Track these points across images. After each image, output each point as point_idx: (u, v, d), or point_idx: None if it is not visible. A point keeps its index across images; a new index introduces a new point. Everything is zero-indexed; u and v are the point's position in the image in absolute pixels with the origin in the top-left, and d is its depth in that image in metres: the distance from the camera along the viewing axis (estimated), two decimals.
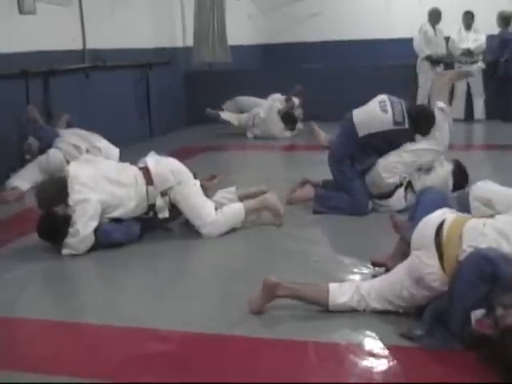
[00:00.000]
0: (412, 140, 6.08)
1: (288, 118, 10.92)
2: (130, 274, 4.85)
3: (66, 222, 5.12)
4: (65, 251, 5.14)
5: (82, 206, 5.10)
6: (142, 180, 5.32)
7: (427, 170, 6.11)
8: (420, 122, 6.08)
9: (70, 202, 5.12)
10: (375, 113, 6.03)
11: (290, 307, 4.02)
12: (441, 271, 3.43)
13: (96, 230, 5.14)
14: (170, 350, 3.59)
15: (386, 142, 6.05)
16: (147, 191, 5.29)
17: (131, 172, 5.43)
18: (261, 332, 3.72)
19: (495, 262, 3.16)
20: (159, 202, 5.32)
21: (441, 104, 6.14)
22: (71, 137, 7.58)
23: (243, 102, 11.53)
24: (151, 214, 5.38)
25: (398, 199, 6.06)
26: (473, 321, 3.15)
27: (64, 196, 5.17)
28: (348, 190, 6.11)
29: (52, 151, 7.37)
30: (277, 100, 11.04)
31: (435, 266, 3.46)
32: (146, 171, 5.37)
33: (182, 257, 5.09)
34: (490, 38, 11.73)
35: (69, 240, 5.12)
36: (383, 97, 6.16)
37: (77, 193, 5.15)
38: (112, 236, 5.22)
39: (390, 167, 6.01)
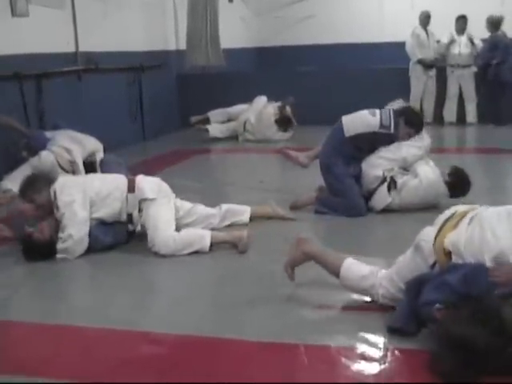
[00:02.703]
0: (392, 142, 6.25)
1: (283, 122, 10.92)
2: (121, 277, 4.84)
3: (46, 244, 5.12)
4: (59, 255, 5.13)
5: (70, 208, 5.11)
6: (124, 186, 5.32)
7: (414, 175, 6.14)
8: (410, 119, 6.27)
9: (59, 203, 5.12)
10: (363, 115, 6.24)
11: (282, 310, 4.04)
12: (431, 244, 3.56)
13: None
14: (161, 352, 3.59)
15: (370, 145, 6.19)
16: (127, 198, 5.26)
17: (117, 177, 5.49)
18: (252, 335, 3.73)
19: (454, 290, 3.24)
20: (135, 213, 5.28)
21: None
22: (64, 139, 7.56)
23: (229, 111, 11.47)
24: (130, 227, 5.35)
25: (382, 196, 6.11)
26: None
27: (48, 182, 5.27)
28: (341, 193, 6.18)
29: (44, 153, 7.35)
30: (268, 106, 11.03)
31: (430, 236, 3.58)
32: (131, 181, 5.39)
33: (174, 260, 5.07)
34: (480, 42, 11.77)
35: (62, 245, 5.11)
36: (374, 109, 6.33)
37: (65, 195, 5.16)
38: (102, 240, 5.23)
39: (373, 162, 6.14)
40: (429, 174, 6.10)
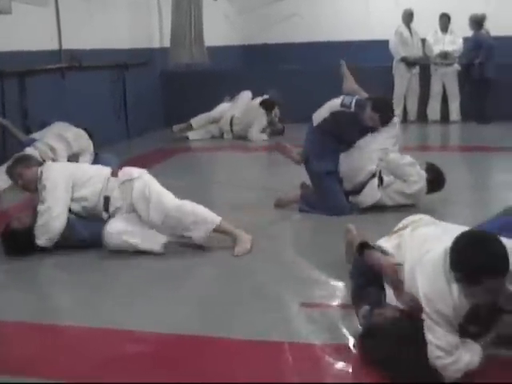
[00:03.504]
0: (359, 127, 6.17)
1: (268, 104, 10.93)
2: (106, 277, 4.82)
3: (26, 232, 5.11)
4: (39, 241, 5.10)
5: (52, 182, 5.14)
6: (108, 172, 5.32)
7: (403, 180, 6.11)
8: (377, 104, 6.16)
9: (43, 178, 5.17)
10: (328, 102, 6.33)
11: (267, 309, 4.05)
12: None
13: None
14: (146, 351, 3.59)
15: (336, 128, 6.13)
16: (108, 180, 5.22)
17: (103, 167, 5.53)
18: (238, 333, 3.73)
19: None
20: (115, 193, 5.19)
21: None
22: (50, 137, 7.55)
23: (211, 115, 11.44)
24: (105, 215, 5.23)
25: (372, 190, 6.08)
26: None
27: (38, 163, 5.40)
28: (321, 192, 6.16)
29: (28, 150, 7.33)
30: (255, 99, 11.06)
31: None
32: (116, 170, 5.40)
33: (158, 259, 5.06)
34: (464, 40, 11.82)
35: (39, 221, 5.08)
36: None
37: (50, 171, 5.23)
38: (79, 231, 5.18)
39: (367, 155, 6.09)
40: (417, 185, 6.07)
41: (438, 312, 3.03)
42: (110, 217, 5.18)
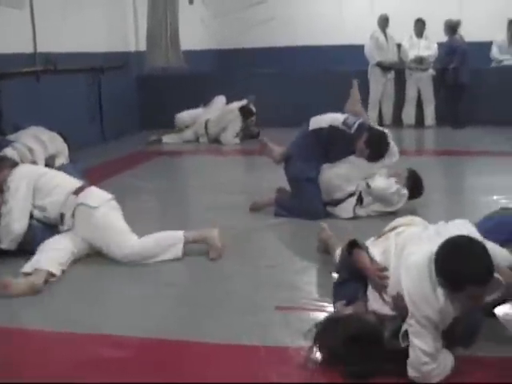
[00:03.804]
0: (351, 150, 6.12)
1: (246, 111, 10.93)
2: (81, 281, 4.78)
3: None
4: (2, 244, 5.06)
5: (16, 182, 5.11)
6: (72, 187, 5.21)
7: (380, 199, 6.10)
8: (371, 140, 6.10)
9: (9, 180, 5.13)
10: (331, 114, 6.29)
11: (242, 312, 4.05)
12: None
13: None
14: (122, 355, 3.57)
15: (328, 141, 6.12)
16: (69, 196, 5.11)
17: (71, 178, 5.41)
18: (213, 337, 3.73)
19: None
20: (68, 214, 5.07)
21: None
22: (27, 138, 7.50)
23: (184, 118, 11.45)
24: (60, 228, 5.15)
25: (347, 208, 6.10)
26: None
27: (11, 164, 5.34)
28: (300, 194, 6.16)
29: (7, 150, 7.26)
30: (231, 103, 11.06)
31: None
32: (83, 187, 5.24)
33: (131, 264, 5.02)
34: (438, 45, 11.90)
35: (2, 221, 5.05)
36: None
37: (16, 175, 5.19)
38: (40, 236, 5.07)
39: (345, 175, 6.07)
40: (398, 205, 6.06)
41: (426, 317, 3.05)
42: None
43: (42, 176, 5.28)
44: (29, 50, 9.20)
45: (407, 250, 3.37)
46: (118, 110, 11.48)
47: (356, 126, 6.11)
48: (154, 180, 8.08)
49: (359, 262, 3.66)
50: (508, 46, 12.12)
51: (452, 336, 3.22)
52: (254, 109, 11.05)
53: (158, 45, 12.11)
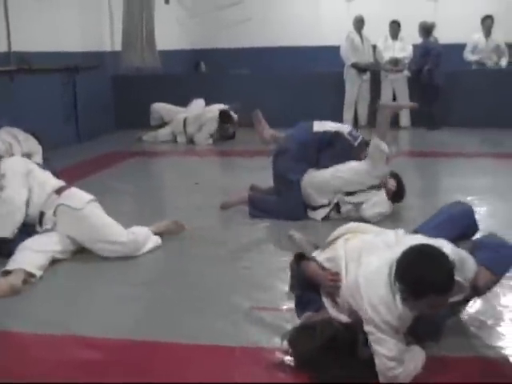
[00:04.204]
0: (344, 160, 6.13)
1: (225, 116, 10.90)
2: (55, 281, 4.74)
3: None
4: (3, 232, 4.95)
5: (12, 171, 5.07)
6: (56, 185, 5.21)
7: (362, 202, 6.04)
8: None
9: (2, 167, 5.09)
10: (337, 123, 6.37)
11: (217, 313, 4.05)
12: None
13: None
14: (98, 356, 3.56)
15: (329, 147, 6.12)
16: (50, 195, 5.10)
17: (54, 178, 5.37)
18: (188, 338, 3.73)
19: None
20: (50, 213, 5.05)
21: (382, 145, 6.07)
22: (6, 135, 7.46)
23: (160, 109, 11.47)
24: (39, 229, 5.09)
25: (320, 213, 6.09)
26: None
27: None
28: (286, 194, 6.12)
29: None
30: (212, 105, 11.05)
31: None
32: (65, 187, 5.23)
33: (109, 263, 5.02)
34: (413, 47, 11.97)
35: (2, 209, 4.95)
36: None
37: (9, 163, 5.21)
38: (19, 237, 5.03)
39: (317, 184, 6.04)
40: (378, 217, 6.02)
41: (386, 322, 3.06)
42: (36, 233, 5.03)
43: (31, 172, 5.22)
44: (3, 49, 9.13)
45: (366, 258, 3.37)
46: (93, 109, 11.42)
47: (359, 139, 6.21)
48: (128, 180, 8.05)
49: (309, 272, 3.65)
50: (485, 42, 12.21)
51: (415, 334, 3.26)
52: (235, 116, 11.01)
53: (134, 44, 12.08)
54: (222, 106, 11.00)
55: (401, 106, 6.31)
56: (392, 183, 6.09)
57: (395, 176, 6.21)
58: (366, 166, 6.00)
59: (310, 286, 3.64)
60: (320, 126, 6.22)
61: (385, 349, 3.07)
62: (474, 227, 3.88)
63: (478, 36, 12.25)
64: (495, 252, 3.51)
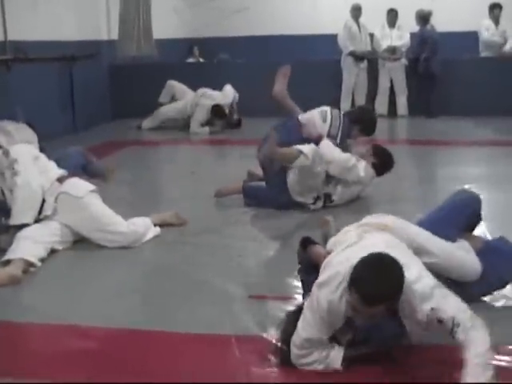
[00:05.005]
0: None
1: (219, 111, 10.85)
2: (50, 271, 4.73)
3: None
4: (24, 218, 4.90)
5: (23, 154, 5.06)
6: (57, 173, 5.20)
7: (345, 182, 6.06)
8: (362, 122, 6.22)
9: (11, 151, 5.05)
10: (315, 119, 6.23)
11: (213, 302, 4.05)
12: None
13: None
14: (91, 346, 3.56)
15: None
16: (52, 183, 5.08)
17: (53, 164, 5.34)
18: (183, 327, 3.72)
19: None
20: (51, 200, 5.02)
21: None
22: None
23: (175, 87, 11.43)
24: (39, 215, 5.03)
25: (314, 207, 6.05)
26: None
27: None
28: (271, 183, 6.12)
29: None
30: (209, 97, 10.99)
31: None
32: (66, 176, 5.21)
33: (103, 254, 5.01)
34: (411, 35, 11.96)
35: (19, 193, 4.88)
36: (326, 108, 6.32)
37: (16, 147, 5.20)
38: None
39: (302, 186, 5.97)
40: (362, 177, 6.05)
41: (319, 303, 3.12)
42: (35, 221, 4.97)
43: (37, 158, 5.21)
44: None
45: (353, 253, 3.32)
46: (89, 99, 11.39)
47: (340, 134, 6.17)
48: (125, 170, 8.02)
49: (313, 255, 3.70)
50: (495, 29, 12.20)
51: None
52: (230, 113, 11.00)
53: (130, 33, 12.03)
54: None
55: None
56: (370, 157, 6.09)
57: (377, 149, 6.20)
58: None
59: (316, 269, 3.64)
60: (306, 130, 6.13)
61: (302, 326, 3.18)
62: (478, 215, 3.89)
63: (487, 23, 12.22)
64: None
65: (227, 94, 11.07)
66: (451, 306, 2.95)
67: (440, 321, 2.91)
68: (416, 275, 3.05)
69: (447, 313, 2.90)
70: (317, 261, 3.62)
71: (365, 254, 3.09)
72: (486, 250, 3.81)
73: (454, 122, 11.04)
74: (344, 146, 6.15)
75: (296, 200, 6.01)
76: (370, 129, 6.40)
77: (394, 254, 3.09)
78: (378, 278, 2.95)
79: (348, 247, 3.38)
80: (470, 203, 3.98)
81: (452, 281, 3.56)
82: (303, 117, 6.27)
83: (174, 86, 11.44)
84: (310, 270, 3.75)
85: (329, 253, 3.52)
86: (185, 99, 11.11)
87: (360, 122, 6.31)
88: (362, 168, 6.00)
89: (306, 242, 3.79)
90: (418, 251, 3.49)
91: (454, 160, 8.29)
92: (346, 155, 6.01)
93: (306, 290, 3.78)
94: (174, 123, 11.11)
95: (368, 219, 3.81)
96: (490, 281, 3.78)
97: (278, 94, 6.37)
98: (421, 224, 3.87)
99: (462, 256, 3.73)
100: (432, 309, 2.94)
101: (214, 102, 10.81)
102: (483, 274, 3.72)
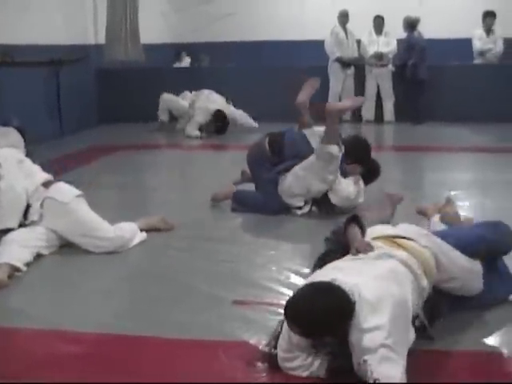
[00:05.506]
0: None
1: (219, 116, 10.86)
2: (37, 275, 4.72)
3: None
4: (9, 223, 4.90)
5: (7, 158, 5.05)
6: (42, 177, 5.18)
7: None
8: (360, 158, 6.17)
9: None
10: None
11: (201, 307, 4.04)
12: None
13: None
14: (79, 350, 3.53)
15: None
16: (37, 188, 5.05)
17: (38, 168, 5.33)
18: (172, 332, 3.71)
19: None
20: (35, 205, 5.00)
21: (329, 148, 5.82)
22: None
23: (173, 104, 11.47)
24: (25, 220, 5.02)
25: (301, 211, 6.04)
26: None
27: None
28: (261, 187, 6.12)
29: None
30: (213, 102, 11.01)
31: None
32: (52, 181, 5.20)
33: (92, 258, 4.99)
34: (398, 41, 12.01)
35: (3, 198, 4.86)
36: None
37: (2, 152, 5.18)
38: None
39: (291, 191, 5.97)
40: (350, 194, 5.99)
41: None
42: (21, 226, 4.95)
43: (21, 162, 5.20)
44: None
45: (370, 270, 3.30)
46: (76, 103, 11.36)
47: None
48: (112, 174, 8.01)
49: (350, 233, 3.69)
50: (486, 37, 12.21)
51: None
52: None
53: (118, 38, 12.03)
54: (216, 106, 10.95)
55: (347, 107, 6.20)
56: (354, 169, 6.08)
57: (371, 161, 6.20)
58: (317, 169, 5.84)
59: (343, 248, 3.66)
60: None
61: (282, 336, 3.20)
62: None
63: (479, 32, 12.23)
64: None
65: (215, 99, 11.10)
66: (383, 371, 2.85)
67: (366, 372, 2.89)
68: (374, 325, 2.95)
69: (373, 374, 2.85)
70: (349, 242, 3.64)
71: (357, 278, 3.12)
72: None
73: (441, 128, 11.09)
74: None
75: (286, 202, 6.00)
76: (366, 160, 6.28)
77: (382, 286, 3.10)
78: (309, 303, 2.98)
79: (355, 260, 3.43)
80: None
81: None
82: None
83: (166, 101, 11.43)
84: (337, 245, 3.77)
85: (370, 244, 3.52)
86: (184, 109, 11.14)
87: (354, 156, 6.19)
88: (360, 194, 6.02)
89: (353, 220, 3.78)
90: (440, 276, 3.51)
91: (441, 166, 8.30)
92: (354, 189, 6.00)
93: (321, 256, 3.80)
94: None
95: (403, 229, 3.79)
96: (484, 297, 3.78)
97: (300, 104, 6.38)
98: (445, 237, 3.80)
99: (475, 278, 3.72)
100: (364, 361, 2.90)
101: (217, 106, 10.82)
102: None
